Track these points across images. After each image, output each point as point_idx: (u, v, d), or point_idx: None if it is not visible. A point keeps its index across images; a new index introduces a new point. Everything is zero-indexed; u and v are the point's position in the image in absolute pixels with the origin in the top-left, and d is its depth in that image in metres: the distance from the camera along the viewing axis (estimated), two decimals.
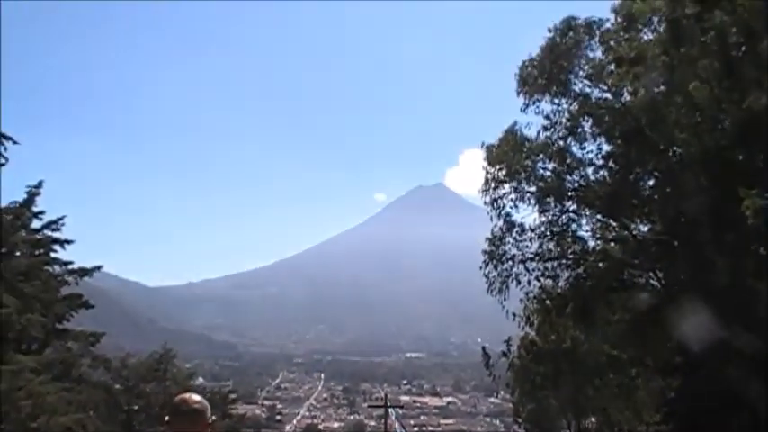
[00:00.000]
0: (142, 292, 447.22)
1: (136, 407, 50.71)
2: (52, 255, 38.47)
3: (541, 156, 28.80)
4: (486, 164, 29.32)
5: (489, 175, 29.28)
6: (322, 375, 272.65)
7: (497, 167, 29.09)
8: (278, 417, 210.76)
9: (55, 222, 37.97)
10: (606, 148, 28.35)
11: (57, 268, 38.90)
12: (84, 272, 39.49)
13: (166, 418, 3.36)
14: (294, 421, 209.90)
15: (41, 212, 37.56)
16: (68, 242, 38.38)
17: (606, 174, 28.45)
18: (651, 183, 28.45)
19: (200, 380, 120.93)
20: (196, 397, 3.46)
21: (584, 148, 28.60)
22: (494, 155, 29.02)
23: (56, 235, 38.10)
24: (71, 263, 39.21)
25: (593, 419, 46.43)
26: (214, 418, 3.53)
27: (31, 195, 36.78)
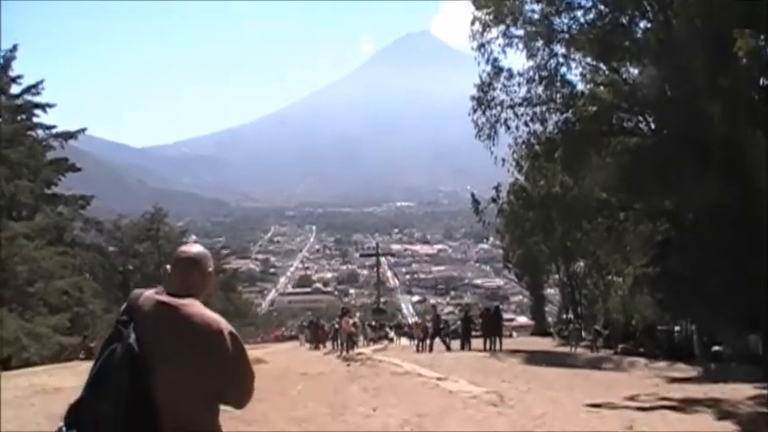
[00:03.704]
0: (129, 154, 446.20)
1: (131, 267, 51.43)
2: (34, 120, 37.89)
3: None
4: (473, 8, 28.40)
5: (477, 20, 28.43)
6: (313, 228, 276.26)
7: (485, 11, 28.18)
8: (272, 270, 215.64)
9: (35, 86, 37.10)
10: None
11: (40, 133, 38.43)
12: (68, 135, 39.00)
13: (168, 266, 3.33)
14: (288, 273, 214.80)
15: (19, 77, 36.67)
16: (50, 106, 37.76)
17: (596, 16, 27.58)
18: (643, 25, 27.66)
19: (193, 237, 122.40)
20: (197, 246, 3.45)
21: None
22: None
23: (36, 99, 37.40)
24: (54, 127, 38.73)
25: (581, 264, 47.32)
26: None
27: (7, 60, 35.73)
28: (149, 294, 3.27)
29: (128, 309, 3.24)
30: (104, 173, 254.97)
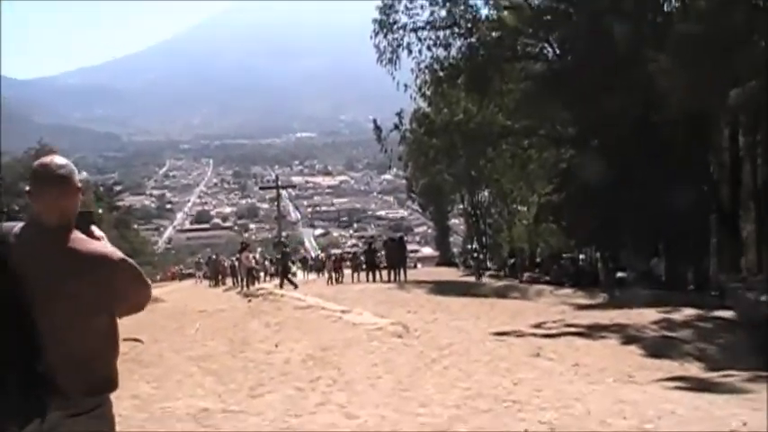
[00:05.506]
0: (11, 86, 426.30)
1: (16, 207, 49.15)
2: None
3: None
4: None
5: None
6: (211, 161, 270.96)
7: None
8: (168, 205, 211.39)
9: None
10: None
11: None
12: None
13: (27, 188, 2.81)
14: (185, 209, 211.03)
15: None
16: None
17: None
18: None
19: (84, 174, 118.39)
20: (59, 160, 2.88)
21: None
22: None
23: None
24: None
25: (486, 193, 47.40)
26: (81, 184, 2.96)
27: None
28: (22, 227, 2.83)
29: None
30: None
